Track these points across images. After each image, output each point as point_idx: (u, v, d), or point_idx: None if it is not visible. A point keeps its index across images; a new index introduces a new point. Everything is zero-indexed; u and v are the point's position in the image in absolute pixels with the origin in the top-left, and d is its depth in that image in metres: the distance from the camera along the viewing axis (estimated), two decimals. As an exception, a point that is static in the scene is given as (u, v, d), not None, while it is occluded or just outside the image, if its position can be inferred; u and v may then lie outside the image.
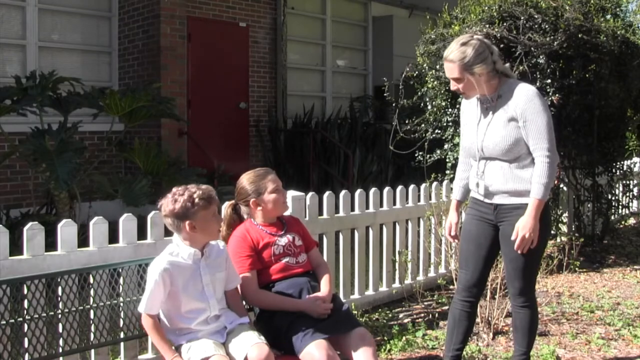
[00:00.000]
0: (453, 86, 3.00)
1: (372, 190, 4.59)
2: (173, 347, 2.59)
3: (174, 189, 2.61)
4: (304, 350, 2.70)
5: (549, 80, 5.14)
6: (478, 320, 4.03)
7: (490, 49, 2.97)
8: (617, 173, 7.13)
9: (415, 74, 5.88)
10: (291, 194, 3.66)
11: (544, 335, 4.12)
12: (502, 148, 2.93)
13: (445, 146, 5.66)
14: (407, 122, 5.98)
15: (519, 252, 2.91)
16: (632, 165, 7.65)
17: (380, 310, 4.59)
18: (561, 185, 6.34)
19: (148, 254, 2.99)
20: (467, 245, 3.18)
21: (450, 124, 5.59)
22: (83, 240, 2.93)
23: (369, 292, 4.61)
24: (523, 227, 2.86)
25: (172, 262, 2.58)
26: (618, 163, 7.03)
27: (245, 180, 3.02)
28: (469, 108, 3.15)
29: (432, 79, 5.62)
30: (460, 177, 3.29)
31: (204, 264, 2.64)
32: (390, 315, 4.52)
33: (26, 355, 2.51)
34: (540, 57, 5.10)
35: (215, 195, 2.65)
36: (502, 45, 4.99)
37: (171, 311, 2.61)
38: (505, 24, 5.19)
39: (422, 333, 4.11)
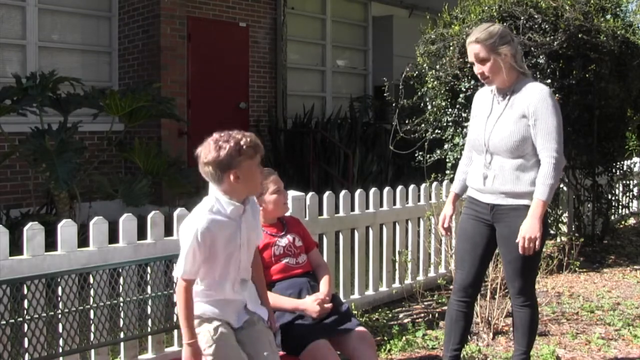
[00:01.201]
0: (477, 70, 2.98)
1: (372, 190, 4.58)
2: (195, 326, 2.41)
3: (215, 136, 2.37)
4: (304, 350, 2.70)
5: (549, 80, 5.14)
6: (478, 320, 4.03)
7: (512, 37, 3.00)
8: (617, 173, 7.14)
9: (415, 74, 5.88)
10: (291, 194, 3.66)
11: (544, 335, 4.12)
12: (507, 143, 2.91)
13: (445, 146, 5.66)
14: (407, 122, 5.98)
15: (525, 253, 2.87)
16: (632, 165, 7.66)
17: (380, 310, 4.59)
18: (561, 185, 6.34)
19: (148, 254, 2.99)
20: (463, 244, 3.18)
21: (450, 124, 5.58)
22: (83, 240, 2.93)
23: (369, 292, 4.61)
24: (527, 230, 2.83)
25: (213, 221, 2.34)
26: (618, 163, 7.03)
27: (247, 180, 3.02)
28: (482, 101, 3.14)
29: (432, 79, 5.62)
30: (462, 171, 3.28)
31: (243, 221, 2.44)
32: (390, 315, 4.52)
33: (26, 355, 2.50)
34: (540, 57, 5.10)
35: (261, 144, 2.44)
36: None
37: (204, 276, 2.40)
38: (505, 24, 5.18)
39: (422, 333, 4.10)
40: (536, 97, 2.88)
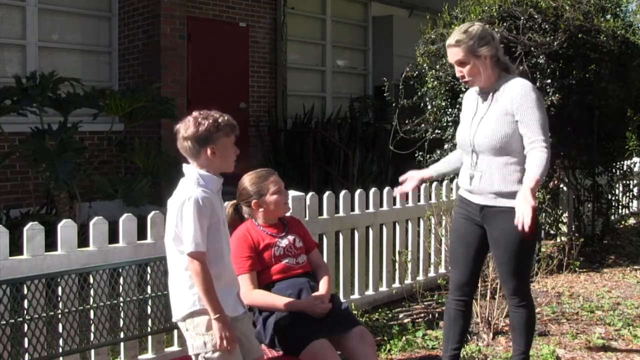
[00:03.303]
0: (458, 72, 2.99)
1: (372, 190, 4.58)
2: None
3: (194, 114, 2.48)
4: (304, 350, 2.70)
5: (549, 80, 5.14)
6: (478, 320, 4.04)
7: (492, 35, 3.00)
8: (617, 173, 7.13)
9: (415, 74, 5.88)
10: (291, 194, 3.65)
11: (544, 335, 4.12)
12: (491, 141, 2.91)
13: (445, 146, 5.66)
14: (407, 122, 5.98)
15: (525, 228, 2.68)
16: (632, 165, 7.65)
17: (380, 310, 4.59)
18: (561, 185, 6.34)
19: (148, 254, 2.99)
20: (455, 244, 3.19)
21: (450, 124, 5.58)
22: (83, 240, 2.93)
23: (369, 292, 4.61)
24: (520, 202, 2.68)
25: (204, 191, 2.38)
26: (618, 163, 7.02)
27: (247, 181, 3.02)
28: (468, 102, 3.16)
29: (432, 79, 5.62)
30: (446, 157, 3.39)
31: (220, 196, 2.49)
32: (390, 315, 4.52)
33: (26, 355, 2.50)
34: (540, 57, 5.10)
35: (237, 126, 2.53)
36: (502, 45, 4.99)
37: (210, 254, 2.36)
38: (505, 24, 5.19)
39: (422, 333, 4.11)
40: (518, 92, 2.88)
